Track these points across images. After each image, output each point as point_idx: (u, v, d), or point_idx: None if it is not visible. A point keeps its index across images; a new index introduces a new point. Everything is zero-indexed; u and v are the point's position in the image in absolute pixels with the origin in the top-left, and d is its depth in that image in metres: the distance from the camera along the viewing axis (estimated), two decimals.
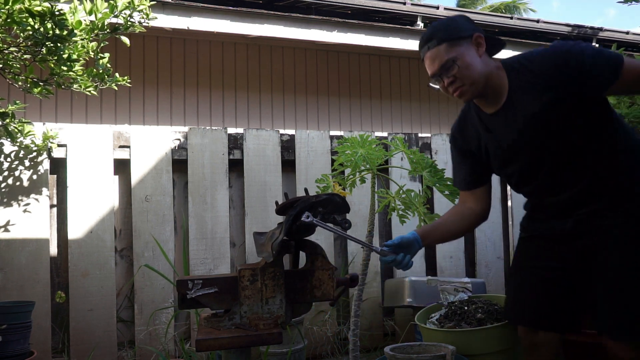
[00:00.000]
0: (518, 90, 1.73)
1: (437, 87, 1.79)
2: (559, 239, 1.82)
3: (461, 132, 1.98)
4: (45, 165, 3.25)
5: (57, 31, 2.30)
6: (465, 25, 1.75)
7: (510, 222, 4.32)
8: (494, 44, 1.81)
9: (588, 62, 1.63)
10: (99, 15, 2.53)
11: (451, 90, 1.76)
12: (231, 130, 3.90)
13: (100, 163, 3.35)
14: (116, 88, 2.89)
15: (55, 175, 3.39)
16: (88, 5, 2.49)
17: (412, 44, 5.49)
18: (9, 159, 3.19)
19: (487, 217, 2.03)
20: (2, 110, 2.76)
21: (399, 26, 5.46)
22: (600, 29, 6.42)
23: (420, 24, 5.60)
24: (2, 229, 3.13)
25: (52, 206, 3.37)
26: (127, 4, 2.58)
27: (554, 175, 1.78)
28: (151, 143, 3.48)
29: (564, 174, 1.76)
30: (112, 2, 2.55)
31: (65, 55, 2.46)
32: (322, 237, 3.69)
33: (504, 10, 16.01)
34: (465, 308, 3.01)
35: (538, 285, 1.87)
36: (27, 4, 2.23)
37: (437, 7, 5.78)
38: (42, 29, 2.29)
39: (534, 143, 1.75)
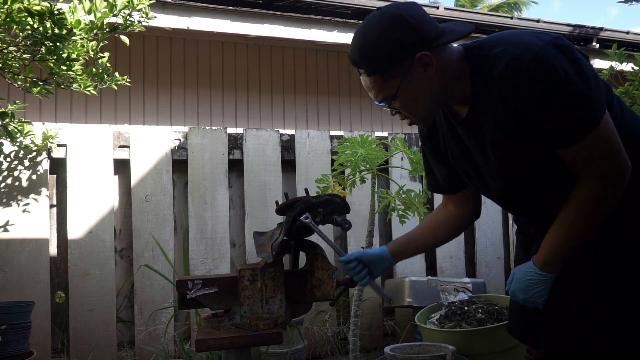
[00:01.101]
0: (482, 103, 1.32)
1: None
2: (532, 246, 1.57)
3: (430, 129, 1.59)
4: (45, 165, 3.25)
5: (57, 30, 2.30)
6: (406, 44, 1.27)
7: (510, 222, 4.31)
8: (458, 33, 1.32)
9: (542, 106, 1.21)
10: (98, 15, 2.53)
11: (401, 119, 1.42)
12: (231, 130, 3.90)
13: (100, 163, 3.35)
14: (116, 87, 2.89)
15: (55, 175, 3.39)
16: (87, 5, 2.49)
17: None
18: (8, 159, 3.18)
19: (475, 218, 1.71)
20: (2, 110, 2.76)
21: None
22: (601, 29, 6.41)
23: None
24: (2, 229, 3.13)
25: (51, 206, 3.36)
26: (126, 3, 2.58)
27: (520, 207, 1.52)
28: (151, 143, 3.47)
29: (530, 208, 1.47)
30: (111, 1, 2.55)
31: (64, 55, 2.46)
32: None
33: (506, 9, 16.00)
34: (466, 308, 3.01)
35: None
36: (26, 3, 2.23)
37: (437, 7, 5.77)
38: (41, 28, 2.29)
39: (493, 174, 1.41)
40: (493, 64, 1.26)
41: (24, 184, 3.19)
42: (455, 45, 1.37)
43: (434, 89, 1.32)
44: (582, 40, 6.50)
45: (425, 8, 5.99)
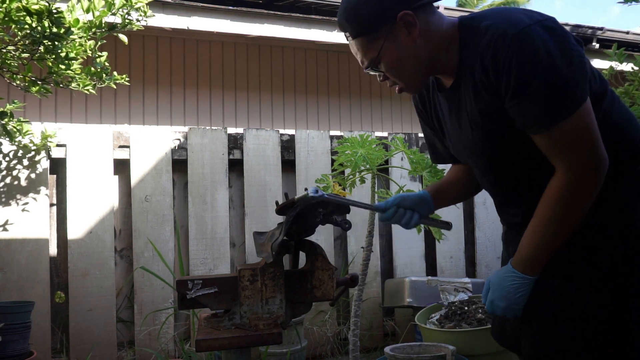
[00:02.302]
0: (466, 75, 1.29)
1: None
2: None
3: (422, 99, 1.55)
4: (44, 164, 3.24)
5: (55, 29, 2.29)
6: (386, 3, 1.26)
7: None
8: None
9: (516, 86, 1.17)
10: (97, 13, 2.53)
11: (389, 87, 1.39)
12: (231, 130, 3.89)
13: (100, 163, 3.34)
14: (115, 87, 2.88)
15: (55, 175, 3.38)
16: (85, 4, 2.49)
17: None
18: (7, 158, 3.18)
19: None
20: (1, 109, 2.75)
21: None
22: (601, 29, 6.41)
23: None
24: (1, 229, 3.12)
25: (51, 206, 3.36)
26: (125, 2, 2.58)
27: (498, 191, 1.47)
28: (151, 143, 3.47)
29: (509, 193, 1.43)
30: (109, 0, 2.55)
31: (63, 54, 2.46)
32: (322, 237, 3.68)
33: None
34: (466, 308, 3.00)
35: None
36: (24, 2, 2.22)
37: (438, 7, 5.77)
38: (39, 27, 2.29)
39: (473, 150, 1.38)
40: (480, 37, 1.23)
41: (23, 183, 3.19)
42: (450, 17, 1.36)
43: (420, 53, 1.30)
44: (582, 40, 6.49)
45: None
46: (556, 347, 1.29)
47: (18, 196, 3.17)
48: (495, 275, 1.38)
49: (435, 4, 1.33)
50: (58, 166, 3.36)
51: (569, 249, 1.28)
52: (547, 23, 1.18)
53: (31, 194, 3.19)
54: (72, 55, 2.50)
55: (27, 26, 2.29)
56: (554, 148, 1.21)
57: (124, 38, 2.73)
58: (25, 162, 3.21)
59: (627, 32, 6.55)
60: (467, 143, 1.38)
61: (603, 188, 1.24)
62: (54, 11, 2.25)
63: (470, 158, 1.44)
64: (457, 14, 5.87)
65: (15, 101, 2.85)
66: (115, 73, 2.82)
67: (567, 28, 6.25)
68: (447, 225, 1.67)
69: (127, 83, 2.89)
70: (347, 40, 1.36)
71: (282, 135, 3.81)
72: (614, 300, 1.24)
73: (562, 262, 1.29)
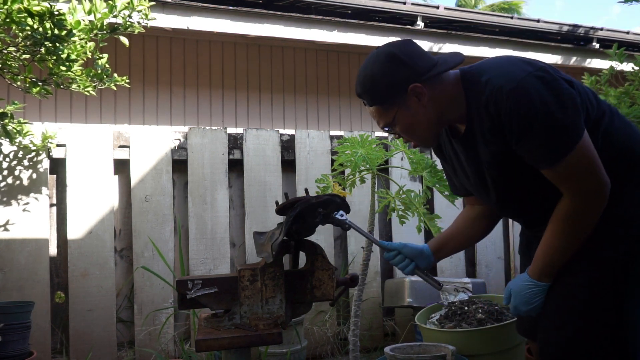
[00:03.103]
0: (475, 124, 1.45)
1: None
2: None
3: (438, 143, 1.71)
4: (45, 165, 3.25)
5: (56, 31, 2.30)
6: (398, 77, 1.43)
7: (510, 223, 4.31)
8: (450, 63, 1.47)
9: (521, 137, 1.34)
10: (98, 16, 2.53)
11: (404, 143, 1.59)
12: (231, 130, 3.89)
13: (100, 163, 3.35)
14: (115, 88, 2.89)
15: (55, 175, 3.39)
16: (87, 5, 2.49)
17: None
18: (7, 159, 3.18)
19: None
20: (1, 110, 2.76)
21: (399, 26, 5.46)
22: (601, 29, 6.41)
23: (420, 24, 5.59)
24: (2, 229, 3.13)
25: (51, 206, 3.36)
26: (126, 5, 2.58)
27: (521, 216, 1.63)
28: (151, 143, 3.47)
29: (531, 215, 1.58)
30: (111, 2, 2.55)
31: (64, 55, 2.46)
32: (322, 237, 3.68)
33: (501, 11, 15.99)
34: (466, 308, 3.01)
35: None
36: (25, 3, 2.23)
37: (437, 7, 5.77)
38: (40, 29, 2.29)
39: (490, 188, 1.54)
40: (481, 91, 1.39)
41: (24, 183, 3.19)
42: (452, 70, 1.50)
43: (430, 116, 1.47)
44: (582, 40, 6.50)
45: (425, 8, 5.98)
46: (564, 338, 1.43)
47: (19, 197, 3.18)
48: (513, 283, 1.55)
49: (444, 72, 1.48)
50: (58, 166, 3.36)
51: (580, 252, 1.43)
52: (538, 73, 1.34)
53: (32, 194, 3.20)
54: (73, 56, 2.50)
55: (28, 27, 2.29)
56: (560, 179, 1.38)
57: (125, 40, 2.73)
58: (26, 162, 3.21)
59: (627, 32, 6.55)
60: (487, 182, 1.54)
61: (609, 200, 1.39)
62: (56, 13, 2.25)
63: (489, 196, 1.59)
64: (457, 14, 5.88)
65: (16, 102, 2.85)
66: (115, 75, 2.82)
67: (567, 28, 6.27)
68: (438, 285, 1.74)
69: (127, 85, 2.89)
70: (365, 105, 1.53)
71: (282, 135, 3.81)
72: (616, 303, 1.40)
73: (573, 263, 1.44)
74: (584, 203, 1.38)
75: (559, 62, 6.10)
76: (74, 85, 2.72)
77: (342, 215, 1.65)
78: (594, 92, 1.49)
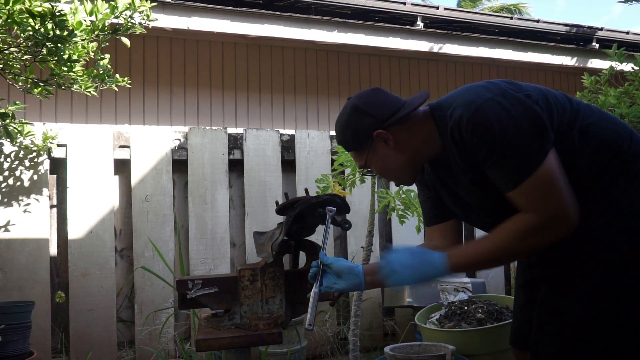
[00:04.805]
0: (449, 155, 1.47)
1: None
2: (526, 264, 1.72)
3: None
4: (45, 165, 3.25)
5: (58, 32, 2.30)
6: (362, 126, 1.50)
7: None
8: (414, 104, 1.49)
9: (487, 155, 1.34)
10: (100, 16, 2.53)
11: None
12: (231, 130, 3.90)
13: (100, 163, 3.35)
14: (116, 89, 2.89)
15: (55, 175, 3.39)
16: (89, 6, 2.49)
17: (412, 44, 5.49)
18: (9, 159, 3.19)
19: None
20: (2, 110, 2.76)
21: (399, 26, 5.46)
22: (600, 29, 6.42)
23: (420, 24, 5.60)
24: (2, 229, 3.13)
25: (52, 206, 3.37)
26: (128, 5, 2.58)
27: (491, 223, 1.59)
28: (151, 143, 3.48)
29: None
30: (112, 3, 2.55)
31: (65, 56, 2.46)
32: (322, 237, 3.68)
33: (504, 12, 15.99)
34: (465, 308, 3.01)
35: (516, 305, 1.80)
36: (27, 4, 2.23)
37: (437, 7, 5.78)
38: (42, 30, 2.29)
39: (472, 210, 1.56)
40: (447, 123, 1.42)
41: (25, 184, 3.20)
42: (422, 108, 1.53)
43: (400, 157, 1.52)
44: (582, 41, 6.50)
45: (425, 8, 5.97)
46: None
47: (20, 197, 3.18)
48: (416, 253, 1.48)
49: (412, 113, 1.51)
50: (58, 166, 3.37)
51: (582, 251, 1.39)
52: (497, 98, 1.35)
53: (33, 195, 3.20)
54: (74, 57, 2.50)
55: (30, 28, 2.29)
56: (522, 203, 1.35)
57: (126, 41, 2.74)
58: (27, 163, 3.22)
59: (627, 32, 6.56)
60: (471, 206, 1.54)
61: (604, 197, 1.36)
62: (57, 13, 2.25)
63: (478, 217, 1.58)
64: (457, 14, 5.88)
65: (17, 102, 2.86)
66: (117, 75, 2.83)
67: (568, 28, 6.27)
68: (308, 326, 1.51)
69: (128, 85, 2.90)
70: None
71: (282, 135, 3.82)
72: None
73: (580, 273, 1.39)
74: (542, 226, 1.34)
75: (559, 62, 6.11)
76: (75, 86, 2.73)
77: (330, 211, 1.63)
78: (565, 95, 1.48)
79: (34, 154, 3.23)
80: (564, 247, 1.39)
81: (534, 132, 1.31)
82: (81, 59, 2.58)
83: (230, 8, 4.78)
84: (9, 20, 2.25)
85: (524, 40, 5.99)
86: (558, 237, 1.35)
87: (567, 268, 1.41)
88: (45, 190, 3.23)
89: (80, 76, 2.66)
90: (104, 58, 2.74)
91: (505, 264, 1.51)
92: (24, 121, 3.03)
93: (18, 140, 3.09)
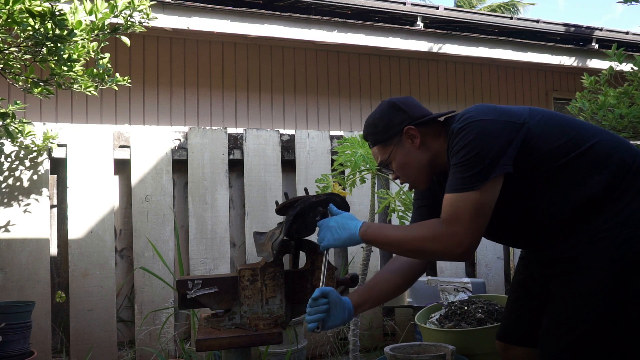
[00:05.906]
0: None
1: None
2: (530, 262, 1.78)
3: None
4: (46, 165, 3.25)
5: (58, 31, 2.30)
6: (395, 120, 1.64)
7: None
8: (441, 113, 1.65)
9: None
10: (99, 16, 2.54)
11: (400, 184, 1.73)
12: (231, 130, 3.90)
13: (101, 163, 3.35)
14: (116, 88, 2.89)
15: (56, 175, 3.39)
16: (88, 6, 2.49)
17: (412, 44, 5.49)
18: (9, 159, 3.19)
19: (428, 264, 1.86)
20: (3, 110, 2.76)
21: (399, 26, 5.47)
22: (600, 29, 6.42)
23: (420, 24, 5.60)
24: (3, 229, 3.13)
25: (52, 206, 3.37)
26: (127, 4, 2.59)
27: (503, 236, 1.72)
28: (151, 143, 3.48)
29: (514, 236, 1.67)
30: (112, 2, 2.55)
31: (65, 56, 2.46)
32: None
33: (503, 11, 16.00)
34: (465, 308, 3.01)
35: (509, 301, 1.87)
36: (27, 4, 2.23)
37: (437, 7, 5.78)
38: (42, 29, 2.29)
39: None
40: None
41: (25, 184, 3.20)
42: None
43: (422, 158, 1.64)
44: (582, 41, 6.51)
45: (424, 8, 5.98)
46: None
47: (20, 197, 3.18)
48: (344, 217, 1.62)
49: (439, 118, 1.66)
50: (58, 166, 3.37)
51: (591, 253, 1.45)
52: (480, 124, 1.47)
53: (33, 195, 3.20)
54: (74, 57, 2.51)
55: (30, 28, 2.29)
56: (444, 207, 1.48)
57: (126, 40, 2.74)
58: (27, 163, 3.22)
59: (627, 33, 6.56)
60: None
61: (614, 204, 1.44)
62: (57, 13, 2.25)
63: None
64: (456, 14, 5.88)
65: (18, 102, 2.86)
66: (117, 75, 2.83)
67: (566, 28, 6.27)
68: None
69: (129, 85, 2.90)
70: (370, 147, 1.75)
71: (282, 135, 3.82)
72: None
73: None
74: (442, 237, 1.46)
75: (559, 62, 6.11)
76: (75, 86, 2.73)
77: (324, 215, 1.66)
78: (573, 118, 1.58)
79: (34, 153, 3.23)
80: (576, 246, 1.46)
81: (491, 161, 1.42)
82: (81, 59, 2.58)
83: (230, 8, 4.79)
84: (9, 20, 2.25)
85: (523, 40, 6.00)
86: (448, 256, 1.48)
87: (579, 266, 1.45)
88: (45, 190, 3.23)
89: (80, 76, 2.66)
90: (104, 57, 2.74)
91: (408, 257, 1.71)
92: (24, 121, 3.03)
93: (18, 140, 3.09)
